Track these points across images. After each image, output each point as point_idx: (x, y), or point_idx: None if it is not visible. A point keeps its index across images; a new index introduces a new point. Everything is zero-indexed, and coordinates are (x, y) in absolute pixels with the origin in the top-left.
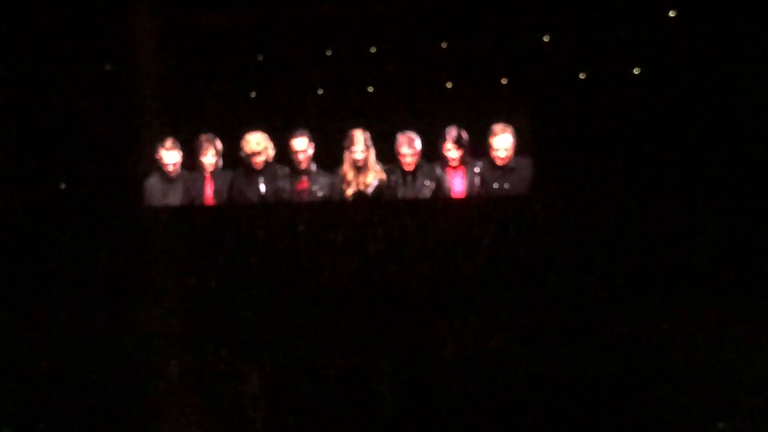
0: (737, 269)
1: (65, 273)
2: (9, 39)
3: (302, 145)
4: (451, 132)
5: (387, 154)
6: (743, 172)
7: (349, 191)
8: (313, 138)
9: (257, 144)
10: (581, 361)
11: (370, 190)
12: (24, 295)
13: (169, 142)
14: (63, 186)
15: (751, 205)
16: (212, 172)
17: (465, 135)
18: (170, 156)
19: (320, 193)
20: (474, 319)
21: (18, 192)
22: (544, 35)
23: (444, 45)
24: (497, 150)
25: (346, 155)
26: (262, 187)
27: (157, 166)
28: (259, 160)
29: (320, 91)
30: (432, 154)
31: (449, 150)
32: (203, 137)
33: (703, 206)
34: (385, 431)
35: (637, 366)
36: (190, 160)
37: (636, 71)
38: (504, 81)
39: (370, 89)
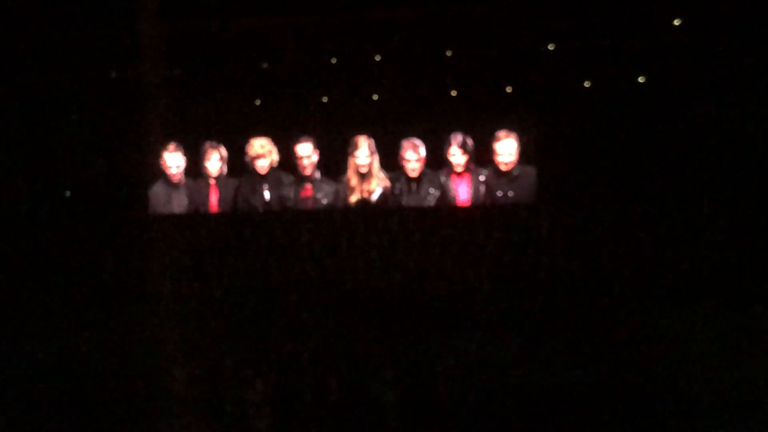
0: (739, 276)
1: (70, 278)
2: (16, 48)
3: (306, 151)
4: (457, 137)
5: (391, 164)
6: (748, 180)
7: (353, 198)
8: (318, 146)
9: (261, 146)
10: (585, 368)
11: (374, 197)
12: (30, 300)
13: (172, 146)
14: (67, 193)
15: (753, 214)
16: (217, 180)
17: (470, 141)
18: (173, 158)
19: (324, 201)
20: (479, 326)
21: (24, 198)
22: (549, 43)
23: (449, 53)
24: (501, 155)
25: (350, 161)
26: (267, 194)
27: (162, 173)
28: (263, 164)
29: (324, 99)
30: (436, 162)
31: (454, 155)
32: (207, 144)
33: (707, 214)
34: None
35: (641, 372)
36: (195, 169)
37: (641, 79)
38: (509, 89)
39: (375, 97)
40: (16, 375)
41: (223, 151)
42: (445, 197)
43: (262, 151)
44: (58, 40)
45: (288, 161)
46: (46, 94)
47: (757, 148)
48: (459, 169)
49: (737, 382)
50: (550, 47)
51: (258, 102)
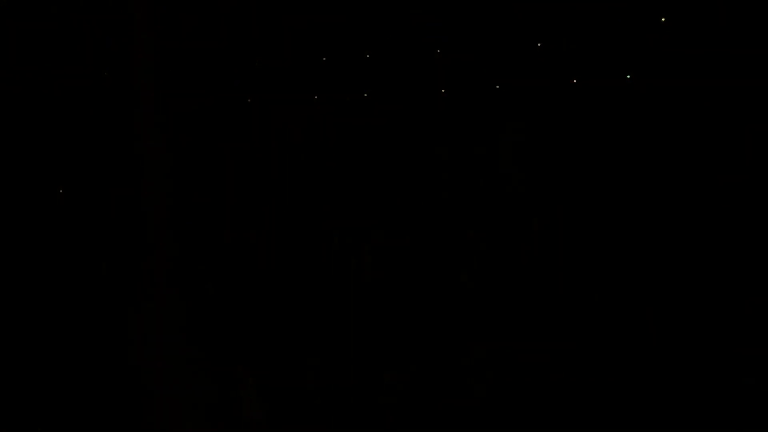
0: (735, 271)
1: (65, 274)
2: (10, 45)
3: None
4: None
5: None
6: (739, 177)
7: None
8: None
9: None
10: (581, 365)
11: None
12: (24, 296)
13: None
14: (61, 191)
15: (748, 210)
16: None
17: None
18: None
19: None
20: (473, 323)
21: (17, 197)
22: (537, 41)
23: (438, 51)
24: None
25: None
26: None
27: None
28: None
29: (315, 97)
30: None
31: None
32: None
33: (699, 211)
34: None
35: (639, 368)
36: None
37: (628, 77)
38: (497, 87)
39: (365, 95)
40: (13, 371)
41: None
42: None
43: None
44: (52, 39)
45: None
46: (38, 93)
47: (752, 148)
48: None
49: (738, 379)
50: (538, 44)
51: (249, 100)
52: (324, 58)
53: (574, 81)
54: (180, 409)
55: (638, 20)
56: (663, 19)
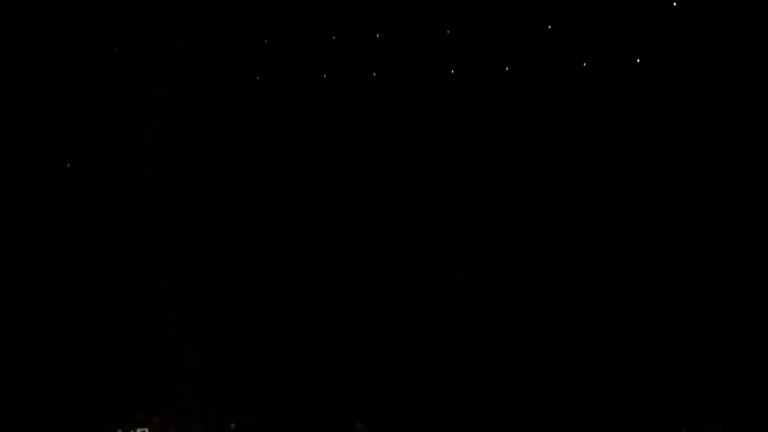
0: (737, 265)
1: (71, 249)
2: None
3: None
4: None
5: None
6: (746, 164)
7: None
8: None
9: None
10: (581, 356)
11: None
12: (29, 272)
13: None
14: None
15: (752, 201)
16: None
17: None
18: None
19: None
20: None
21: (24, 172)
22: (547, 24)
23: (448, 31)
24: None
25: None
26: None
27: None
28: None
29: (324, 75)
30: None
31: None
32: None
33: (706, 200)
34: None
35: (638, 361)
36: None
37: (638, 60)
38: (507, 68)
39: (374, 74)
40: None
41: None
42: None
43: None
44: (62, 20)
45: None
46: (47, 71)
47: (760, 134)
48: None
49: (735, 373)
50: (549, 27)
51: (258, 77)
52: (332, 38)
53: (584, 64)
54: (184, 398)
55: (642, 15)
56: (674, 3)
